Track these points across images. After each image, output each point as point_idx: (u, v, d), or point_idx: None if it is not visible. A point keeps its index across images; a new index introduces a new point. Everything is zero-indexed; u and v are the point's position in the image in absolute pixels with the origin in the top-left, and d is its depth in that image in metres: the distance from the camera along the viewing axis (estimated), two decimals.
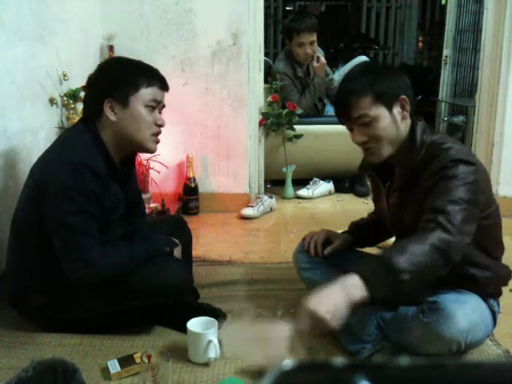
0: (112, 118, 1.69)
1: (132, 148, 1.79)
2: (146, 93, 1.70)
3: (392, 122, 1.54)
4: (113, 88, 1.69)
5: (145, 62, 1.78)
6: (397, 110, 1.54)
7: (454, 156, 1.48)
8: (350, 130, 1.60)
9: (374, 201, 1.91)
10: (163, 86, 1.75)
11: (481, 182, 1.50)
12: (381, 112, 1.53)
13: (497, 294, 1.70)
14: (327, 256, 1.82)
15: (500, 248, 1.70)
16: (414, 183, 1.57)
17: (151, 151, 1.79)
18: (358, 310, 1.29)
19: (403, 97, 1.54)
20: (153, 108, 1.72)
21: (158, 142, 1.78)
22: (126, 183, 1.83)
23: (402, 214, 1.63)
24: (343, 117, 1.59)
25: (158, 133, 1.77)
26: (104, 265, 1.66)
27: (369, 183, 3.52)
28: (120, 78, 1.70)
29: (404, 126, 1.57)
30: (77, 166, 1.61)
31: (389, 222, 1.76)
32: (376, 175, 1.76)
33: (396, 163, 1.63)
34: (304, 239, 1.90)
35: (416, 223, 1.47)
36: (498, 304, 1.70)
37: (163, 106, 1.78)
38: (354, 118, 1.55)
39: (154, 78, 1.73)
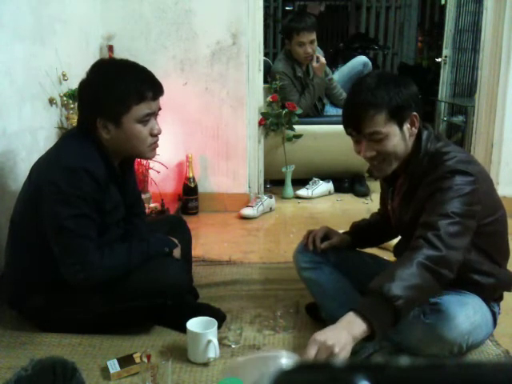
0: (106, 135, 1.66)
1: (130, 155, 1.80)
2: (138, 109, 1.63)
3: (401, 139, 1.53)
4: (103, 108, 1.63)
5: (143, 62, 1.74)
6: (406, 126, 1.53)
7: (452, 167, 1.47)
8: (357, 142, 1.57)
9: (381, 200, 1.92)
10: (156, 94, 1.67)
11: (479, 193, 1.48)
12: (392, 130, 1.51)
13: (499, 299, 1.71)
14: (324, 250, 1.83)
15: (503, 254, 1.68)
16: (414, 191, 1.58)
17: (150, 159, 1.88)
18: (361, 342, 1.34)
19: (414, 114, 1.53)
20: (147, 120, 1.67)
21: (156, 147, 1.75)
22: (125, 185, 1.82)
23: (404, 218, 1.65)
24: (354, 129, 1.55)
25: (156, 141, 1.73)
26: (102, 268, 1.66)
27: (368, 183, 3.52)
28: (109, 97, 1.62)
29: (411, 141, 1.56)
30: (74, 171, 1.60)
31: (393, 223, 1.78)
32: (382, 179, 1.77)
33: (400, 171, 1.63)
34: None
35: (415, 228, 1.48)
36: (499, 305, 1.70)
37: (159, 110, 1.73)
38: (365, 133, 1.52)
39: (144, 90, 1.64)
